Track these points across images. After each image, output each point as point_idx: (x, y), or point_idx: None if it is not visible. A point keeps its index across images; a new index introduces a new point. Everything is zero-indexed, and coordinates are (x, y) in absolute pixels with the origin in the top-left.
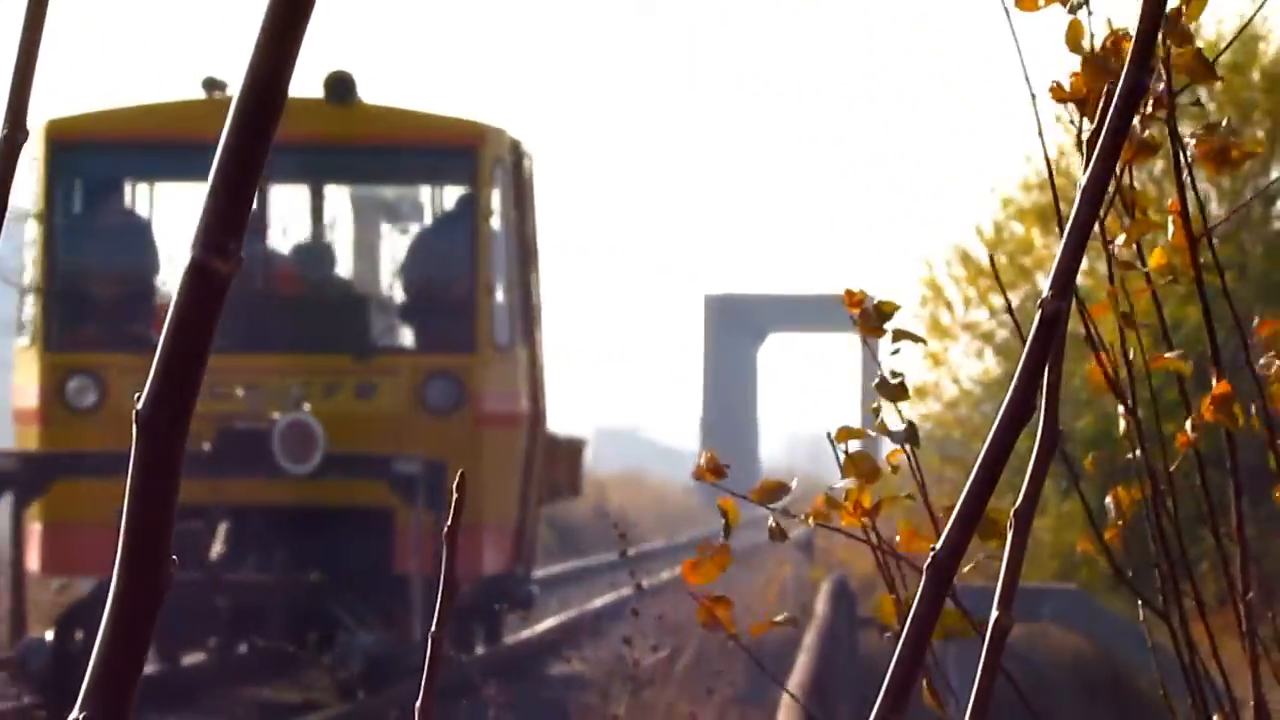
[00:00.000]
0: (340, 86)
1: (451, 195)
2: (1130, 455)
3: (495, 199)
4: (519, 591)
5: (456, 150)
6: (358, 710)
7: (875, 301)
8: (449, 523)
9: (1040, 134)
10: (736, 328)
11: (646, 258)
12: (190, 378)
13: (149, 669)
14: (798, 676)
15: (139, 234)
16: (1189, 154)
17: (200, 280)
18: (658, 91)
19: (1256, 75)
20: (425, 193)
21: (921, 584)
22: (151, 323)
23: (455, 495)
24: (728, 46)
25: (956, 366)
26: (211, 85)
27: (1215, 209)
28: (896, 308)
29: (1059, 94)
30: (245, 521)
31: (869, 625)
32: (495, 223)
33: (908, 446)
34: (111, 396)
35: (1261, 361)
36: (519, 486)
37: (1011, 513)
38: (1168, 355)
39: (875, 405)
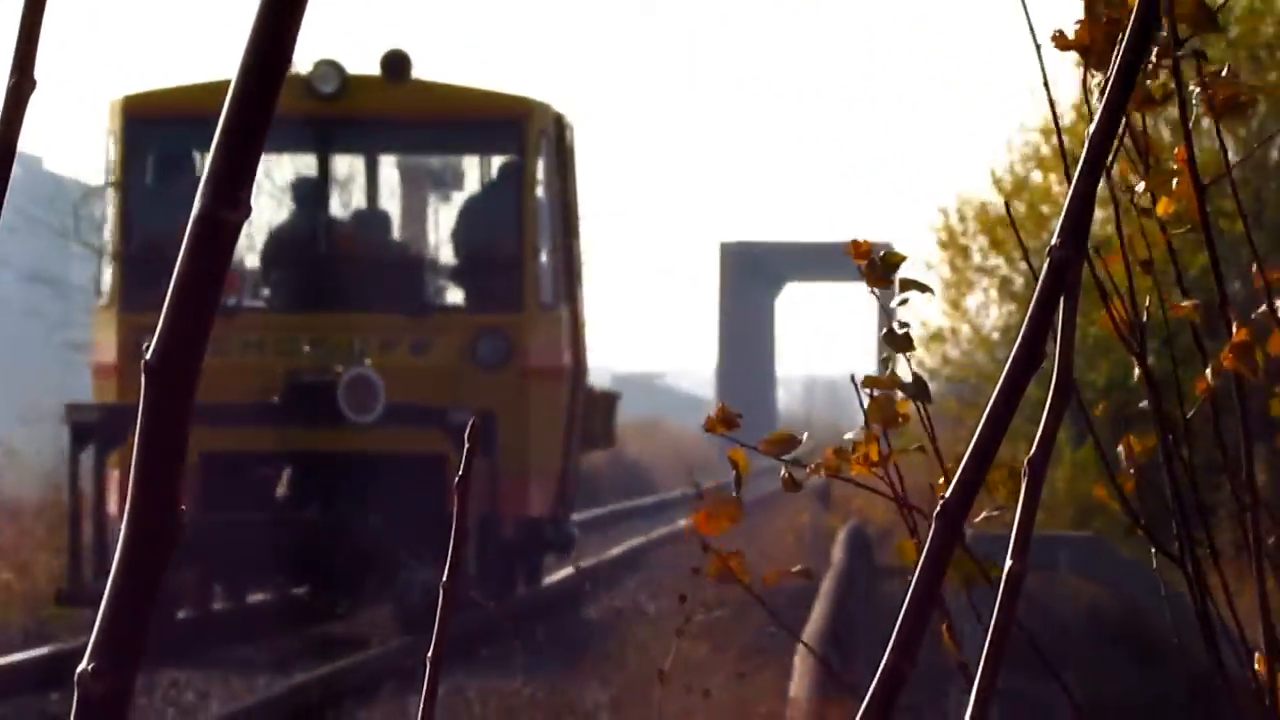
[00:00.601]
0: (396, 64)
1: (499, 165)
2: (1142, 404)
3: (540, 168)
4: (561, 534)
5: (505, 123)
6: (418, 642)
7: (881, 252)
8: (459, 476)
9: (1046, 84)
10: (753, 276)
11: (666, 205)
12: (199, 327)
13: (217, 605)
14: (814, 625)
15: None
16: (1194, 102)
17: (209, 230)
18: (673, 44)
19: (1271, 26)
20: (474, 162)
21: (931, 531)
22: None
23: (467, 449)
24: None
25: (975, 313)
26: None
27: (1234, 159)
28: (903, 258)
29: (1062, 42)
30: (310, 467)
31: (886, 573)
32: (540, 190)
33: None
34: None
35: (1262, 309)
36: (562, 436)
37: (1026, 461)
38: (1182, 304)
39: (885, 356)
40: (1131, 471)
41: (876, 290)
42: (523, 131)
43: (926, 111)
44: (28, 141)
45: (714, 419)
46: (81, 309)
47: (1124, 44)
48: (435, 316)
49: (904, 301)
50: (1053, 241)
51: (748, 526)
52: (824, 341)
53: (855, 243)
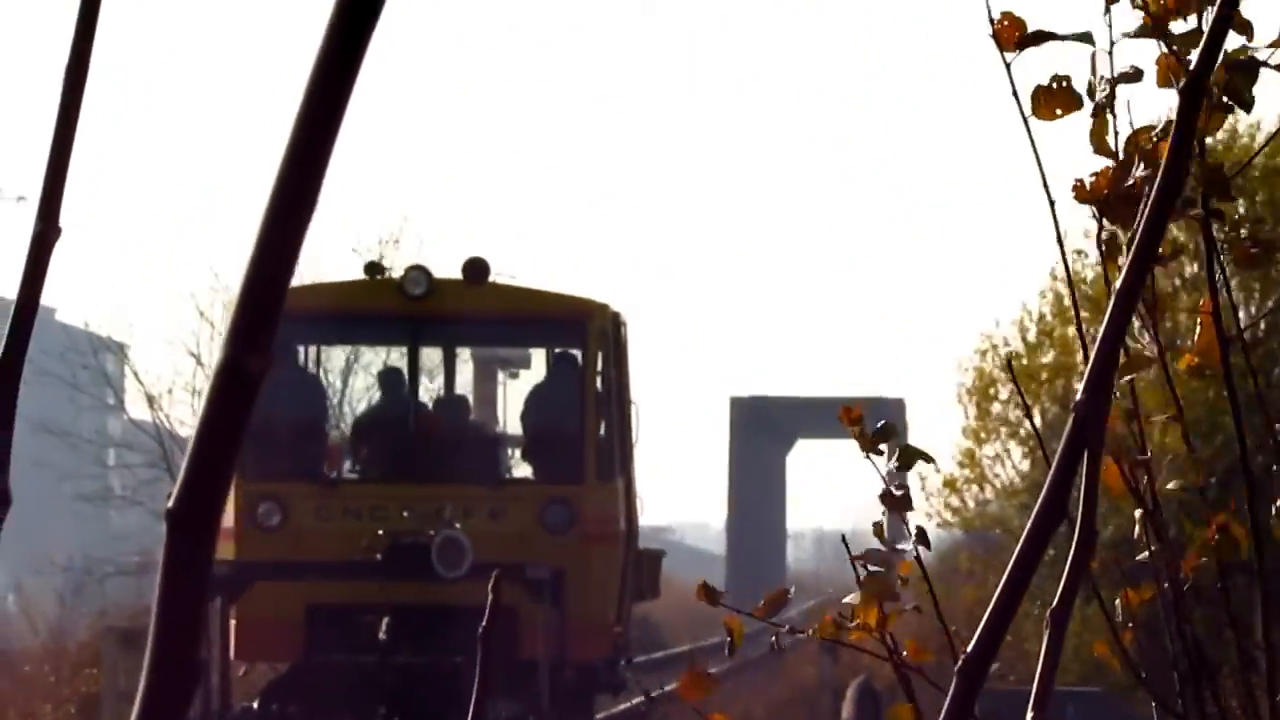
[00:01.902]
0: (476, 270)
1: (564, 357)
2: (1146, 554)
3: (599, 361)
4: (616, 676)
5: (570, 322)
6: None
7: (880, 425)
8: (484, 623)
9: (1060, 240)
10: (764, 431)
11: (674, 357)
12: (220, 475)
13: None
14: None
15: (313, 388)
16: (1220, 255)
17: (232, 379)
18: (680, 184)
19: None
20: (541, 354)
21: (951, 690)
22: (323, 459)
23: (491, 599)
24: (757, 140)
25: (990, 464)
26: (373, 269)
27: (1243, 316)
28: (894, 430)
29: (1081, 194)
30: (407, 616)
31: None
32: (598, 380)
33: (919, 553)
34: (292, 517)
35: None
36: (617, 590)
37: (1048, 614)
38: (1181, 460)
39: (878, 520)
40: (1130, 625)
41: (871, 456)
42: (585, 330)
43: (944, 263)
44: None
45: (701, 591)
46: (90, 460)
47: (1151, 202)
48: (509, 487)
49: (905, 467)
50: (1078, 396)
51: (755, 680)
52: (835, 495)
53: (846, 409)
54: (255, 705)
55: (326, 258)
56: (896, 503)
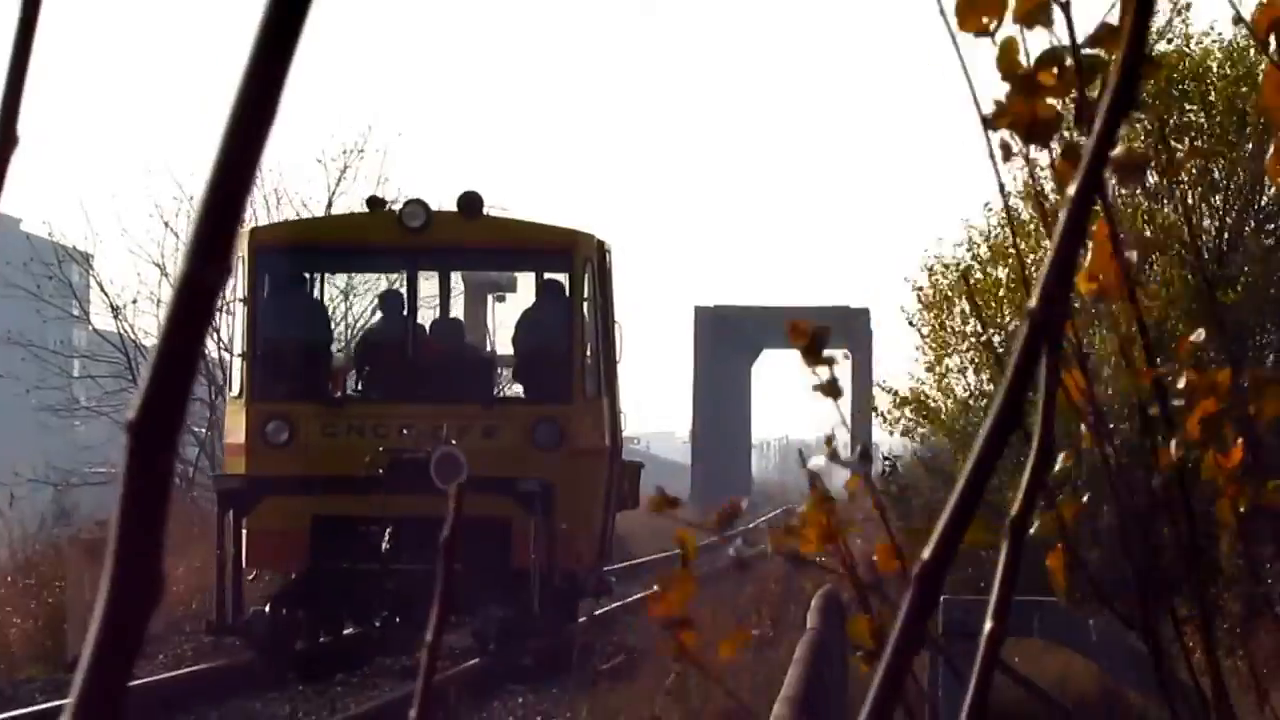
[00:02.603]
0: (471, 204)
1: (552, 283)
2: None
3: (585, 287)
4: (601, 582)
5: (558, 250)
6: (493, 662)
7: (815, 327)
8: (445, 534)
9: (994, 159)
10: (729, 342)
11: (639, 267)
12: (181, 386)
13: (323, 639)
14: (788, 690)
15: (318, 313)
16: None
17: (192, 291)
18: (651, 98)
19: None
20: (531, 281)
21: (908, 595)
22: (328, 380)
23: (452, 520)
24: (722, 54)
25: (954, 376)
26: (373, 203)
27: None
28: (827, 330)
29: (999, 121)
30: (407, 527)
31: None
32: (585, 305)
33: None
34: (299, 435)
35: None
36: (602, 502)
37: (1007, 522)
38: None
39: (829, 435)
40: (1063, 542)
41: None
42: (572, 258)
43: (908, 172)
44: (6, 202)
45: (655, 500)
46: (55, 372)
47: (1108, 104)
48: (501, 406)
49: (830, 386)
50: (1031, 303)
51: (717, 592)
52: (800, 405)
53: (794, 324)
54: (267, 609)
55: (291, 169)
56: (828, 389)
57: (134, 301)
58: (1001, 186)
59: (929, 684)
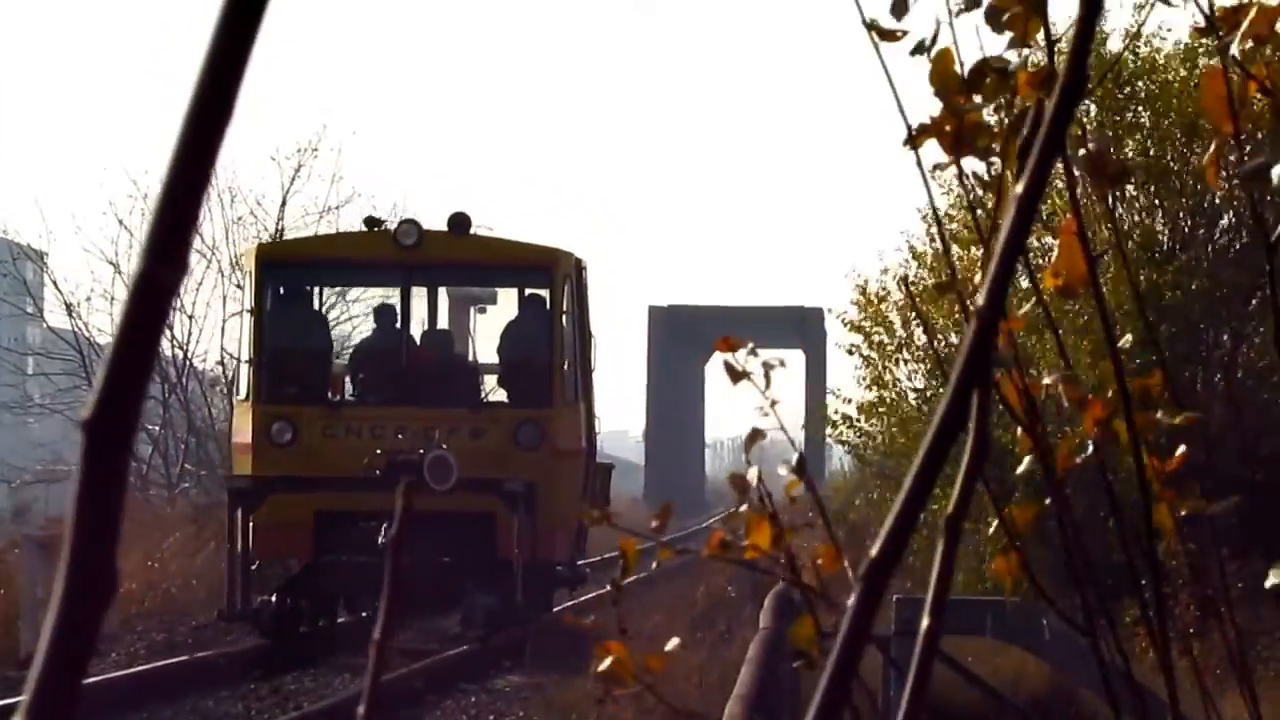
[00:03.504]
0: (459, 223)
1: (534, 298)
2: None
3: (564, 301)
4: (576, 573)
5: (539, 267)
6: (482, 648)
7: (750, 345)
8: (393, 533)
9: (922, 170)
10: (682, 340)
11: (592, 264)
12: (136, 385)
13: (323, 624)
14: (740, 689)
15: (319, 323)
16: (1077, 169)
17: (147, 290)
18: (608, 99)
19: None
20: (514, 296)
21: (855, 593)
22: (328, 385)
23: (401, 519)
24: (681, 56)
25: (904, 383)
26: (371, 223)
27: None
28: (736, 345)
29: (924, 135)
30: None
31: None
32: (563, 317)
33: (809, 479)
34: (302, 436)
35: (1048, 380)
36: (579, 499)
37: (943, 521)
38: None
39: (750, 434)
40: (1017, 544)
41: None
42: (552, 274)
43: (863, 176)
44: None
45: (591, 514)
46: (10, 369)
47: (1054, 103)
48: (487, 410)
49: (770, 406)
50: (979, 301)
51: (669, 591)
52: (754, 404)
53: (725, 339)
54: (273, 599)
55: (245, 166)
56: (735, 377)
57: (88, 299)
58: (931, 202)
59: (882, 684)
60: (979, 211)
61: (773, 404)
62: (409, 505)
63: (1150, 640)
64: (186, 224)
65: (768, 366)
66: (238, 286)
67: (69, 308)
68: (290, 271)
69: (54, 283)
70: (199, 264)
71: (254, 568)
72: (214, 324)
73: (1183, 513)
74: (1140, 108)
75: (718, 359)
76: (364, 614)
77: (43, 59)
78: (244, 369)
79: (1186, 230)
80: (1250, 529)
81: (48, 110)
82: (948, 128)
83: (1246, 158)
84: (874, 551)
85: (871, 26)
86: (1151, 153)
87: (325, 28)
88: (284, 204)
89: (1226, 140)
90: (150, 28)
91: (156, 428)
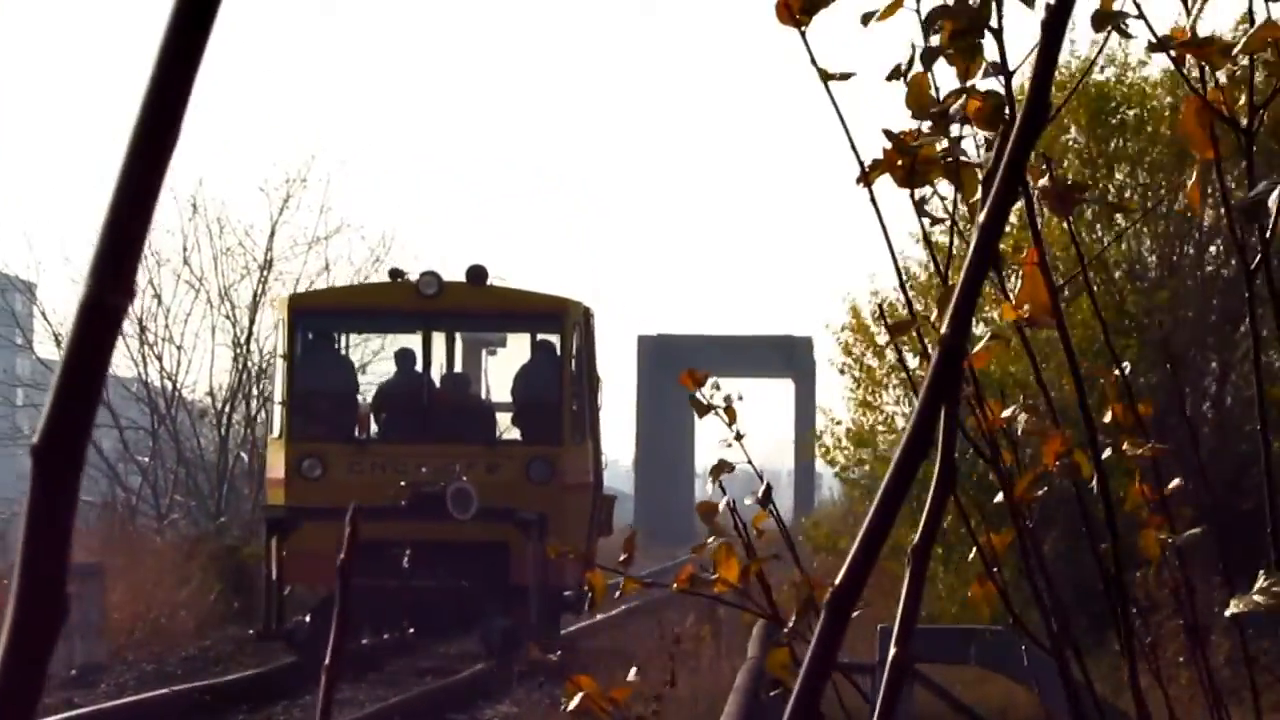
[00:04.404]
0: (477, 275)
1: (545, 343)
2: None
3: (573, 346)
4: (582, 599)
5: (550, 315)
6: (496, 666)
7: (712, 379)
8: (341, 560)
9: (874, 203)
10: (672, 370)
11: (582, 294)
12: (84, 411)
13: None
14: (727, 718)
15: (346, 367)
16: (1036, 197)
17: (95, 316)
18: (594, 125)
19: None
20: (526, 341)
21: (821, 618)
22: (354, 423)
23: (346, 551)
24: (661, 78)
25: (889, 411)
26: (395, 274)
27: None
28: (702, 379)
29: (877, 171)
30: (425, 549)
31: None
32: (572, 362)
33: (776, 512)
34: (330, 470)
35: (1006, 413)
36: (586, 529)
37: (909, 550)
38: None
39: (716, 466)
40: (996, 569)
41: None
42: (562, 321)
43: (848, 206)
44: None
45: (554, 547)
46: (0, 400)
47: (1013, 139)
48: (502, 447)
49: (735, 433)
50: (944, 329)
51: (654, 624)
52: (746, 431)
53: (691, 372)
54: (307, 619)
55: (238, 198)
56: (699, 408)
57: None
58: (888, 239)
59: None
60: (948, 240)
61: (738, 437)
62: (355, 533)
63: (1128, 665)
64: (132, 248)
65: (728, 400)
66: (226, 318)
67: (58, 339)
68: (319, 319)
69: (43, 314)
70: (188, 295)
71: (286, 592)
72: (203, 355)
73: (1169, 540)
74: (1126, 137)
75: (708, 388)
76: (384, 635)
77: (30, 90)
78: (277, 409)
79: (1175, 258)
80: (1238, 556)
81: (36, 141)
82: (899, 163)
83: (1232, 183)
84: (838, 580)
85: (825, 76)
86: (1142, 180)
87: (313, 53)
88: (273, 234)
89: (1209, 166)
90: (139, 60)
91: (146, 459)
